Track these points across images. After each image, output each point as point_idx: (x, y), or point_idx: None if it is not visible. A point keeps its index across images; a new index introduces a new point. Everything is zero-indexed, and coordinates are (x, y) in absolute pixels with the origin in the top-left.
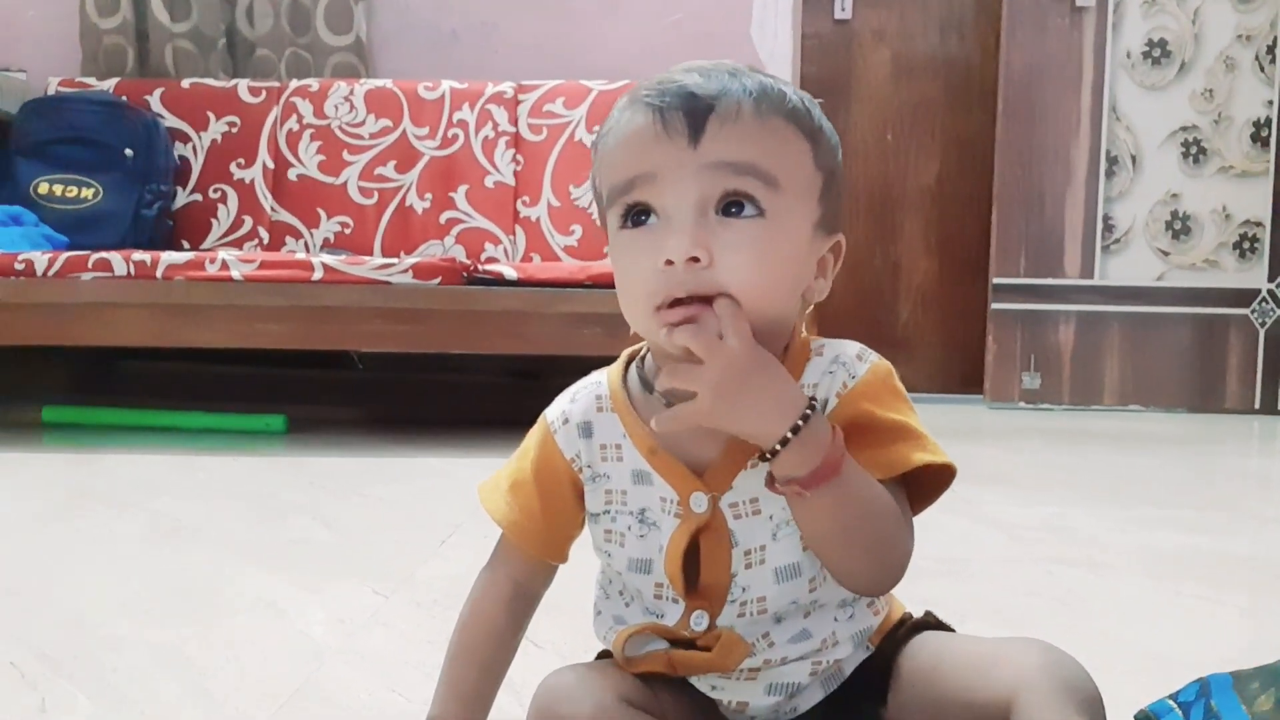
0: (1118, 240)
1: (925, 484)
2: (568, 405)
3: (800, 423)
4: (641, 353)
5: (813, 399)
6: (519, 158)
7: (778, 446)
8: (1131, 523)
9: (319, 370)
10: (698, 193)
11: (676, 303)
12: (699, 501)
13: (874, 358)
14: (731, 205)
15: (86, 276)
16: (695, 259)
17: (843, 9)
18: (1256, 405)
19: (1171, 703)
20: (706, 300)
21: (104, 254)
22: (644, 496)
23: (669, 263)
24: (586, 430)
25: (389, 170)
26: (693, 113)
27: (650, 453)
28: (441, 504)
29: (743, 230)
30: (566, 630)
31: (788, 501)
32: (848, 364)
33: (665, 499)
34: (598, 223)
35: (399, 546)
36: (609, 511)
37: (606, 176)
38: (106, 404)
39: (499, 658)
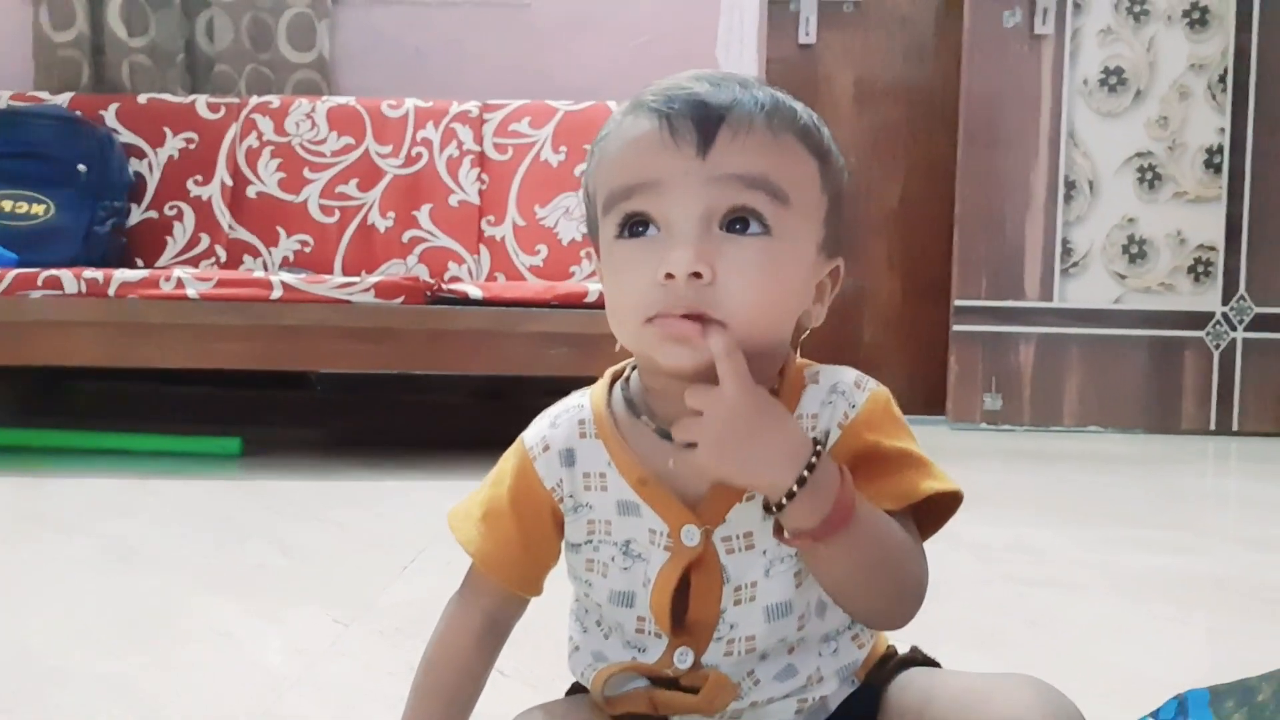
0: (1076, 264)
1: (934, 510)
2: (548, 430)
3: (806, 472)
4: (625, 373)
5: (817, 441)
6: (484, 177)
7: (784, 500)
8: (1097, 543)
9: (275, 391)
10: (704, 205)
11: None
12: (690, 535)
13: (872, 385)
14: (736, 221)
15: (36, 294)
16: (698, 274)
17: (807, 33)
18: (1212, 426)
19: None
20: (701, 319)
21: (54, 271)
22: (630, 528)
23: (669, 276)
24: (569, 458)
25: (351, 188)
26: (703, 122)
27: (640, 483)
28: (403, 528)
29: (748, 247)
30: (533, 659)
31: (800, 552)
32: (847, 393)
33: (655, 531)
34: (575, 235)
35: (359, 572)
36: (591, 541)
37: (604, 181)
38: (55, 426)
39: (466, 693)
